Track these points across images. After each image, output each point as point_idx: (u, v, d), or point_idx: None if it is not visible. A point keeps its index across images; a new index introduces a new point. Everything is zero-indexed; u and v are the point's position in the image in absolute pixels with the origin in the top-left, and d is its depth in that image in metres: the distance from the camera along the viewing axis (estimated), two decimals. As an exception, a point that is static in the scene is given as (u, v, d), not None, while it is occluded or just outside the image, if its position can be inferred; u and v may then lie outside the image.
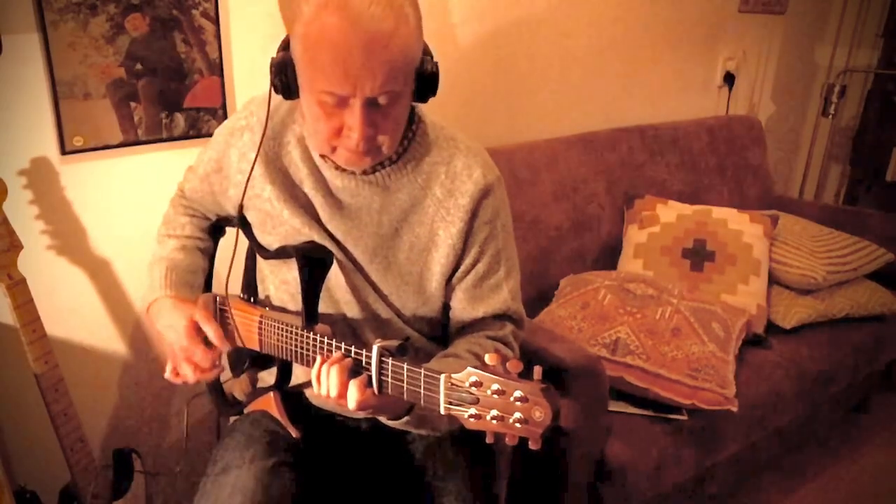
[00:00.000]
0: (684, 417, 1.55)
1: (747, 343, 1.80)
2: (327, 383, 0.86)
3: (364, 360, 0.84)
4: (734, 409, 1.52)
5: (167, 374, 1.04)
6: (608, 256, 2.09)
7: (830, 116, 2.95)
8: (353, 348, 0.86)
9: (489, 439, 0.73)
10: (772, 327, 1.93)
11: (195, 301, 1.08)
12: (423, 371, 0.78)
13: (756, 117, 2.71)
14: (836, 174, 3.25)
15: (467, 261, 1.04)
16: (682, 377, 1.53)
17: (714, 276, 1.93)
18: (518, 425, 0.69)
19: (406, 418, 0.92)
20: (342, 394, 0.85)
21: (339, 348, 0.87)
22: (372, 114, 0.87)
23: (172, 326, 1.02)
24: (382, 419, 0.95)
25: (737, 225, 2.01)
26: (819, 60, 3.09)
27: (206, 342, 1.01)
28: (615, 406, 1.56)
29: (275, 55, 0.91)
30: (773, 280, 2.00)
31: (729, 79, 2.66)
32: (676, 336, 1.60)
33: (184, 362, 1.01)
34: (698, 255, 1.96)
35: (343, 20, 0.81)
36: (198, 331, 1.00)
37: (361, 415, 0.99)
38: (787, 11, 2.79)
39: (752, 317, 1.85)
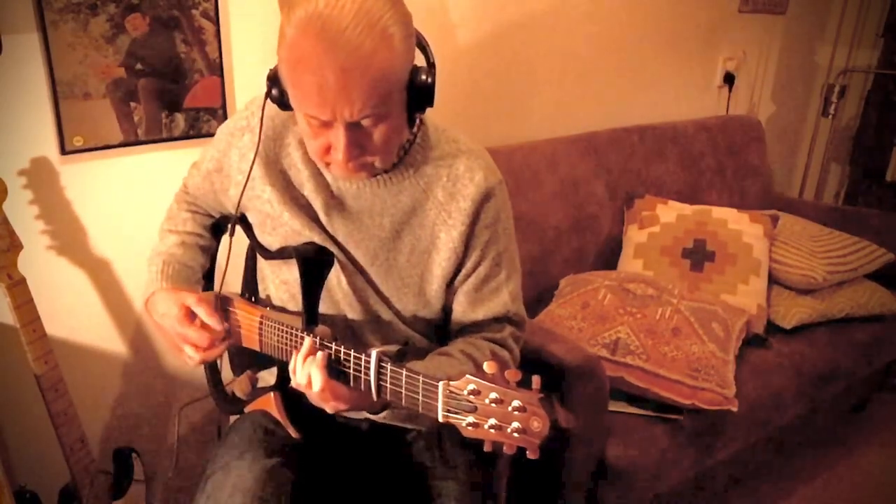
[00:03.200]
0: (684, 417, 1.55)
1: (747, 343, 1.80)
2: (301, 374, 0.87)
3: (363, 364, 0.84)
4: (734, 409, 1.52)
5: (186, 360, 1.04)
6: (608, 256, 2.09)
7: (830, 116, 2.95)
8: (352, 352, 0.85)
9: (487, 448, 0.73)
10: (772, 327, 1.93)
11: (190, 291, 1.08)
12: (421, 378, 0.77)
13: (756, 117, 2.71)
14: (836, 174, 3.25)
15: (468, 264, 1.04)
16: (682, 377, 1.53)
17: (714, 276, 1.93)
18: (516, 435, 0.69)
19: (384, 413, 0.93)
20: (309, 384, 0.85)
21: (338, 351, 0.87)
22: (356, 135, 0.87)
23: (167, 314, 1.02)
24: (365, 414, 0.95)
25: (737, 225, 2.01)
26: (819, 60, 3.09)
27: (202, 325, 1.01)
28: (615, 406, 1.56)
29: (274, 66, 0.90)
30: (773, 280, 2.00)
31: (729, 79, 2.66)
32: (676, 336, 1.60)
33: (183, 345, 1.01)
34: (698, 255, 1.96)
35: (319, 46, 0.79)
36: (191, 315, 1.01)
37: (353, 413, 0.99)
38: (787, 11, 2.79)
39: (752, 317, 1.85)
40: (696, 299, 1.72)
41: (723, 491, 1.86)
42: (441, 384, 0.75)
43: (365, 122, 0.85)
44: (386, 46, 0.81)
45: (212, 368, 1.22)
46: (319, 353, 0.87)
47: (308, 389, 0.87)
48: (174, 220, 1.18)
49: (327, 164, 0.94)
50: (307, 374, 0.86)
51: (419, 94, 0.89)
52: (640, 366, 1.55)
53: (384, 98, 0.84)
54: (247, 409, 1.15)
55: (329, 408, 0.89)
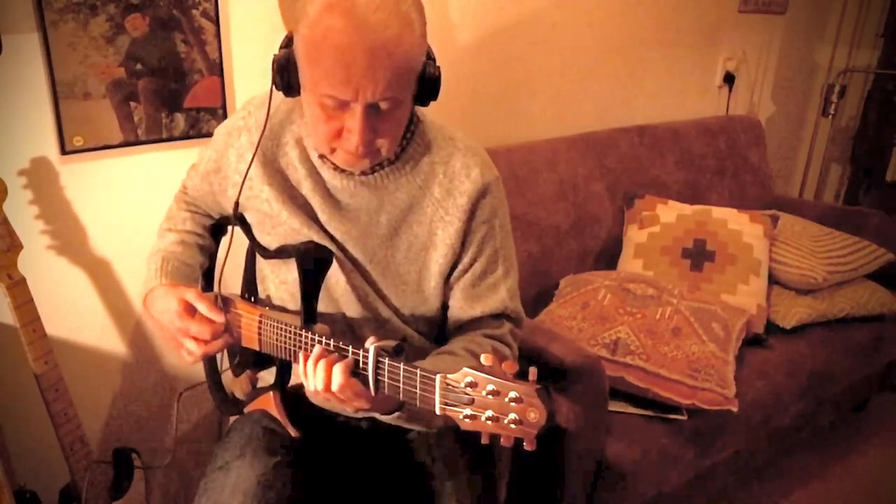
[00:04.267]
0: (684, 417, 1.55)
1: (747, 343, 1.80)
2: (314, 380, 0.86)
3: (361, 360, 0.84)
4: (734, 409, 1.52)
5: (184, 356, 1.04)
6: (608, 256, 2.09)
7: (830, 116, 2.95)
8: (350, 348, 0.85)
9: (484, 440, 0.73)
10: (772, 327, 1.93)
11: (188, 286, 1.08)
12: (419, 371, 0.78)
13: (756, 117, 2.71)
14: (836, 174, 3.26)
15: (465, 260, 1.04)
16: (682, 377, 1.53)
17: (714, 276, 1.93)
18: (513, 426, 0.69)
19: (397, 413, 0.93)
20: (328, 386, 0.84)
21: (336, 348, 0.87)
22: (372, 118, 0.87)
23: (166, 310, 1.02)
24: (376, 415, 0.95)
25: (737, 225, 2.01)
26: (819, 60, 3.09)
27: (202, 318, 1.00)
28: (615, 406, 1.56)
29: (277, 52, 0.91)
30: (773, 280, 2.00)
31: (729, 79, 2.66)
32: (676, 336, 1.60)
33: (184, 340, 1.01)
34: (698, 255, 1.96)
35: (347, 25, 0.80)
36: (191, 309, 1.00)
37: (360, 414, 0.99)
38: (787, 11, 2.79)
39: (752, 317, 1.85)
40: (696, 299, 1.72)
41: (723, 491, 1.86)
42: (438, 377, 0.75)
43: (383, 105, 0.86)
44: (409, 31, 0.84)
45: (212, 369, 1.22)
46: (347, 358, 0.85)
47: (327, 392, 0.85)
48: (174, 220, 1.18)
49: (332, 151, 0.93)
50: (324, 377, 0.85)
51: (427, 87, 0.91)
52: (640, 366, 1.55)
53: (404, 82, 0.87)
54: (247, 409, 1.15)
55: (351, 408, 0.88)
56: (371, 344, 0.82)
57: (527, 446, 0.70)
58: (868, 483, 2.07)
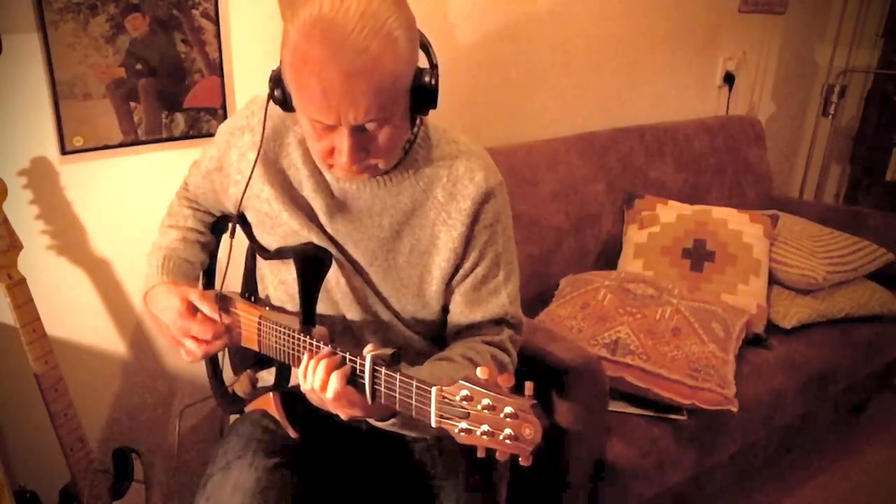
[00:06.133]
0: (684, 417, 1.55)
1: (747, 343, 1.80)
2: (312, 378, 0.85)
3: (358, 368, 0.84)
4: (734, 409, 1.52)
5: (183, 356, 1.04)
6: (608, 256, 2.09)
7: (830, 116, 2.95)
8: (347, 355, 0.85)
9: (480, 454, 0.72)
10: (772, 327, 1.93)
11: (191, 286, 1.08)
12: (415, 382, 0.77)
13: (756, 117, 2.71)
14: (836, 174, 3.25)
15: (467, 264, 1.03)
16: (682, 377, 1.53)
17: (714, 276, 1.93)
18: (508, 442, 0.68)
19: (392, 420, 0.92)
20: (324, 389, 0.84)
21: (333, 353, 0.87)
22: (361, 138, 0.86)
23: (168, 308, 1.02)
24: (371, 421, 0.95)
25: (737, 225, 2.01)
26: (819, 60, 3.09)
27: (204, 318, 1.01)
28: (615, 406, 1.56)
29: (276, 66, 0.90)
30: (773, 280, 2.00)
31: (729, 79, 2.66)
32: (676, 336, 1.60)
33: (185, 339, 1.01)
34: (698, 255, 1.96)
35: (324, 51, 0.78)
36: (192, 309, 1.01)
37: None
38: (787, 11, 2.79)
39: (752, 317, 1.85)
40: (696, 299, 1.72)
41: (723, 491, 1.86)
42: (434, 389, 0.74)
43: (369, 126, 0.85)
44: (391, 50, 0.80)
45: (213, 367, 1.22)
46: (346, 365, 0.85)
47: (322, 393, 0.85)
48: (175, 217, 1.18)
49: (330, 167, 0.93)
50: (322, 379, 0.84)
51: (423, 97, 0.89)
52: (640, 366, 1.55)
53: (389, 101, 0.84)
54: (247, 409, 1.15)
55: (343, 414, 0.88)
56: (368, 352, 0.82)
57: (522, 462, 0.69)
58: (868, 483, 2.07)
